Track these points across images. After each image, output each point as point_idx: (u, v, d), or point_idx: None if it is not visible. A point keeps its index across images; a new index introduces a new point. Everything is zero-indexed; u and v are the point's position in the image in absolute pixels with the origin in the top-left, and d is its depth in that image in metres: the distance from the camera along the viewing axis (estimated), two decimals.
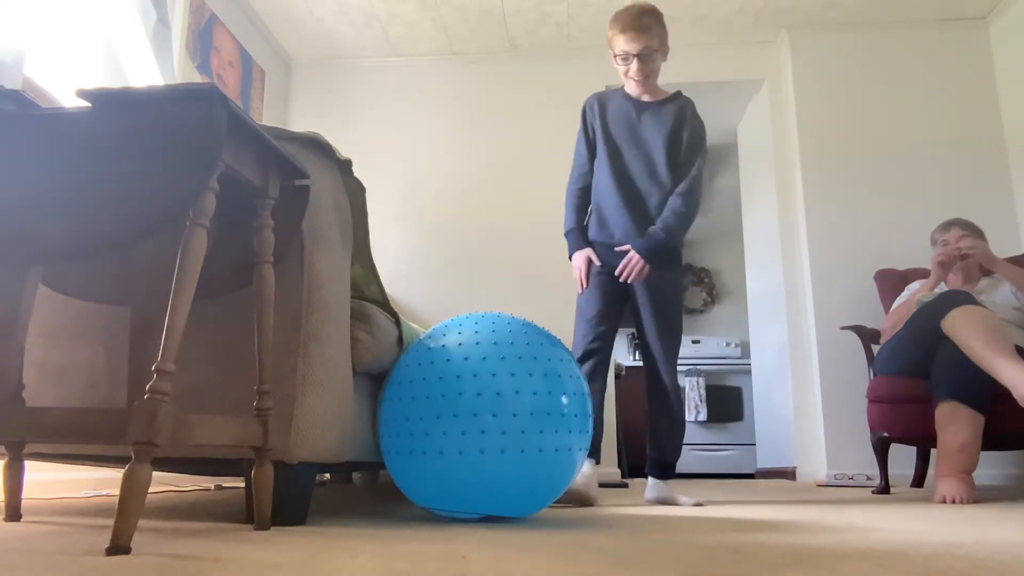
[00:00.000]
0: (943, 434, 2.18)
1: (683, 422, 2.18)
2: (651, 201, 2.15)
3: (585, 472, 1.99)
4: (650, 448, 2.17)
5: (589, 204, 2.26)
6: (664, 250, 2.09)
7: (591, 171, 2.25)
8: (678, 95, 2.23)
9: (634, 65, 2.11)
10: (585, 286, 2.16)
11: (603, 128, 2.22)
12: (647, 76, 2.15)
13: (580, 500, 1.94)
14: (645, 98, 2.21)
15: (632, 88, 2.20)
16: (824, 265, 3.62)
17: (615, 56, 2.16)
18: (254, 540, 1.06)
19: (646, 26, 2.08)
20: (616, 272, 2.09)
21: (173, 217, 1.01)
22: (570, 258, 2.23)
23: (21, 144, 1.07)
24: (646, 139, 2.17)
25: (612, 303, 2.17)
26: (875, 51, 3.86)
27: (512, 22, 3.94)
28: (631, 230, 2.13)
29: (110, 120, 1.05)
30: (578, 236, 2.22)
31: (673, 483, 2.16)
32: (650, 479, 2.15)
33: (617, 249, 2.13)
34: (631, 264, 2.07)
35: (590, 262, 2.17)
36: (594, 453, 2.07)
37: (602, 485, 3.12)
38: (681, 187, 2.12)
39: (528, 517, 1.53)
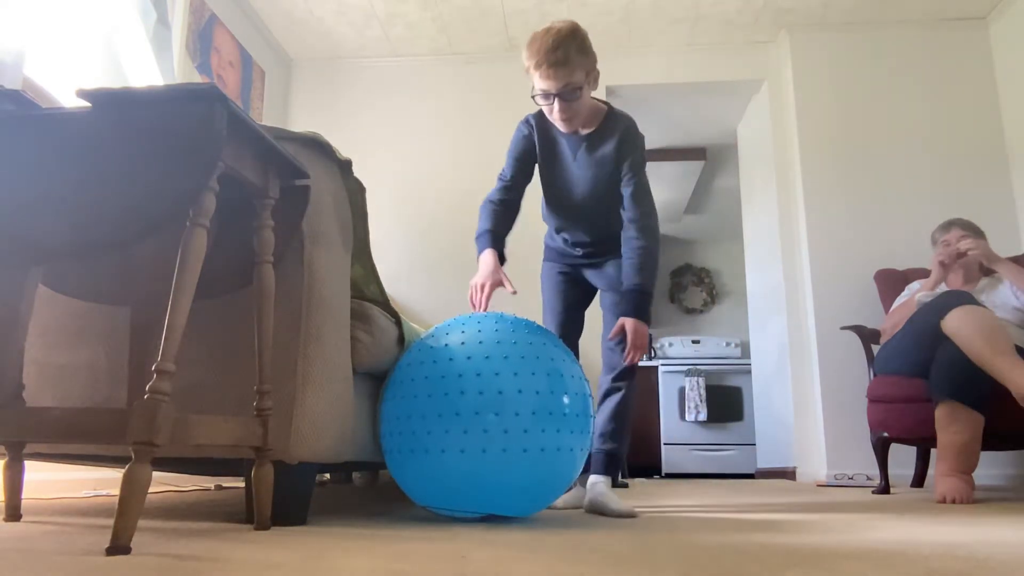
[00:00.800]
0: (943, 434, 2.18)
1: (631, 402, 1.91)
2: (602, 227, 2.03)
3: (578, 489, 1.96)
4: (594, 437, 1.89)
5: (509, 215, 1.99)
6: (649, 298, 1.84)
7: (515, 188, 2.01)
8: (612, 117, 1.92)
9: (556, 106, 1.78)
10: (482, 308, 1.75)
11: (544, 160, 1.99)
12: (572, 116, 1.81)
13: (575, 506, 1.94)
14: (582, 131, 1.92)
15: (561, 127, 1.88)
16: (824, 265, 3.62)
17: (533, 95, 1.81)
18: (254, 540, 1.06)
19: (563, 59, 1.70)
20: (626, 362, 1.85)
21: (173, 217, 1.01)
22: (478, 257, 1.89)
23: (21, 144, 1.07)
24: (587, 176, 1.95)
25: (574, 306, 2.14)
26: (875, 51, 3.85)
27: (512, 22, 3.94)
28: (583, 249, 2.09)
29: (110, 120, 1.05)
30: (491, 239, 1.88)
31: (613, 487, 1.88)
32: (592, 477, 1.85)
33: (611, 338, 1.88)
34: (637, 342, 1.79)
35: (501, 283, 1.79)
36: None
37: None
38: (638, 220, 1.87)
39: (528, 517, 1.53)
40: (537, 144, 1.98)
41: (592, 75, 1.81)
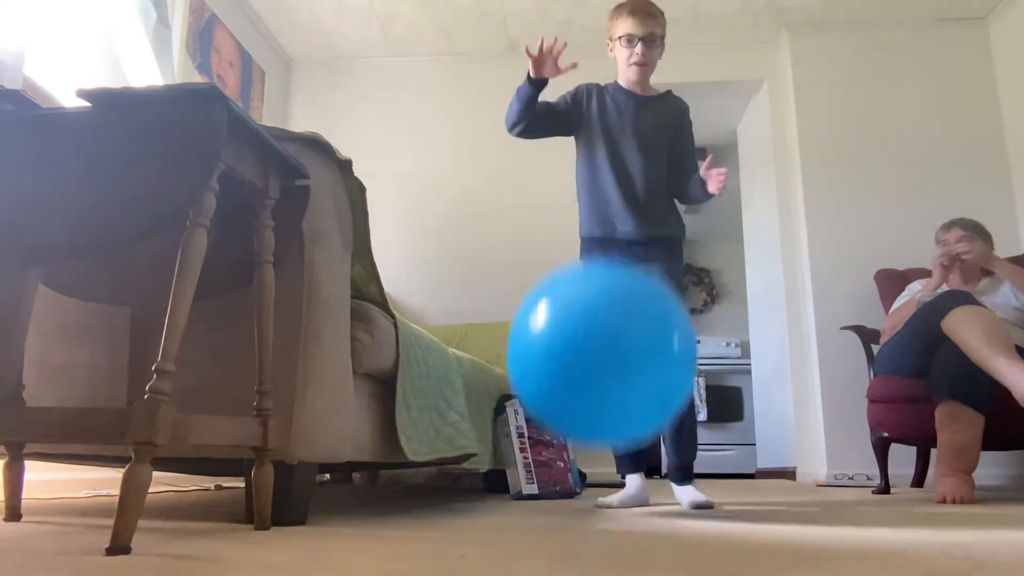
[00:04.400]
0: (943, 434, 2.18)
1: (694, 420, 2.12)
2: (653, 197, 2.10)
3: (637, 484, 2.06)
4: (668, 453, 2.10)
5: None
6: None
7: (549, 109, 2.12)
8: (671, 94, 2.23)
9: (639, 48, 2.09)
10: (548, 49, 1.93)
11: (600, 120, 2.15)
12: (647, 64, 2.12)
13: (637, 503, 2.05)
14: (638, 91, 2.17)
15: (632, 75, 2.14)
16: (824, 265, 3.62)
17: (617, 39, 2.13)
18: (254, 540, 1.06)
19: (655, 13, 2.11)
20: (713, 189, 2.00)
21: (173, 217, 1.01)
22: (529, 77, 1.98)
23: (21, 144, 1.07)
24: (645, 133, 2.13)
25: None
26: (875, 51, 3.85)
27: (512, 22, 3.93)
28: (632, 225, 2.08)
29: (110, 120, 1.05)
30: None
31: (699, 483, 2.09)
32: (674, 487, 2.06)
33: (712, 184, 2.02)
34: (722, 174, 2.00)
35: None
36: (640, 465, 2.11)
37: (602, 485, 3.12)
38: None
39: (528, 518, 1.53)
40: (595, 108, 2.17)
41: (663, 43, 2.15)
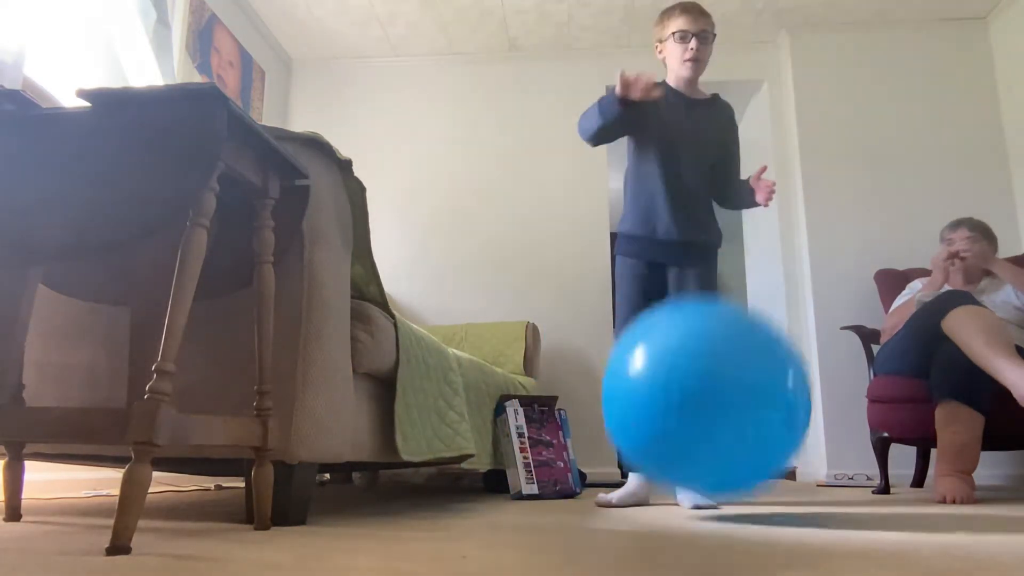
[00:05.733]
0: (943, 434, 2.18)
1: None
2: (699, 200, 2.16)
3: (638, 482, 2.06)
4: None
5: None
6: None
7: (621, 125, 2.11)
8: (719, 98, 2.24)
9: (693, 43, 2.11)
10: (640, 84, 1.91)
11: (655, 119, 2.14)
12: (700, 59, 2.13)
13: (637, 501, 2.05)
14: (688, 94, 2.19)
15: (685, 72, 2.14)
16: (824, 265, 3.62)
17: (670, 36, 2.14)
18: (254, 540, 1.06)
19: (706, 12, 2.15)
20: (762, 200, 2.09)
21: (173, 217, 1.01)
22: (617, 90, 1.96)
23: (21, 144, 1.07)
24: (698, 137, 2.17)
25: (652, 305, 2.16)
26: (875, 51, 3.85)
27: (512, 22, 3.93)
28: (676, 226, 2.11)
29: (110, 120, 1.05)
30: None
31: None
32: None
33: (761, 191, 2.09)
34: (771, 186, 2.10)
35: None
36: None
37: (602, 485, 3.12)
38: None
39: (528, 518, 1.53)
40: (650, 103, 2.10)
41: (713, 45, 2.16)
